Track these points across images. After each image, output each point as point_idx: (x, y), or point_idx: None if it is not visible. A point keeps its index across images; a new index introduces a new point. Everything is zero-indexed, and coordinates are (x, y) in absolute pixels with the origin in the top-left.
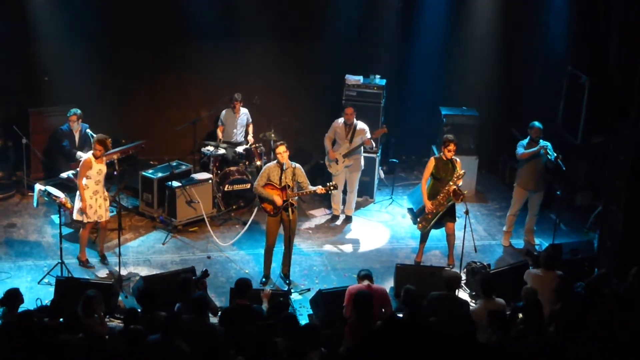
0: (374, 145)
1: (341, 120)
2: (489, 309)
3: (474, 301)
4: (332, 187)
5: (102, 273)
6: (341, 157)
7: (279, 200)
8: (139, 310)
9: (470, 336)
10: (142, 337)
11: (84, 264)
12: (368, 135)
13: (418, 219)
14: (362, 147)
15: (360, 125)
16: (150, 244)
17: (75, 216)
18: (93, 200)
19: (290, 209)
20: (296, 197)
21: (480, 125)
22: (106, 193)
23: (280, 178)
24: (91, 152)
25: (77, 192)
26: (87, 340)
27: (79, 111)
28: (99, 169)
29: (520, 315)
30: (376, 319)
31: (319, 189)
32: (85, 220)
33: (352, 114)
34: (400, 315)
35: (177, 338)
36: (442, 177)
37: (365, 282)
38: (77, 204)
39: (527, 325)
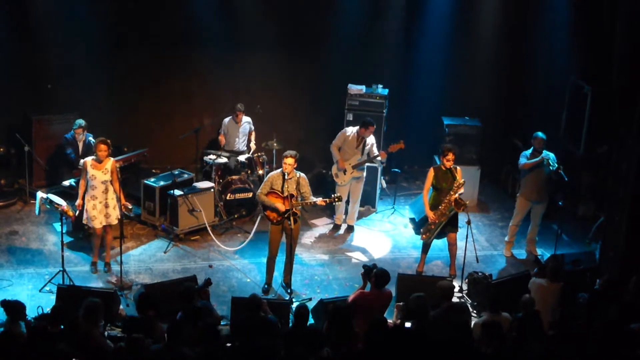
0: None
1: (350, 129)
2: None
3: (475, 311)
4: (336, 199)
5: (104, 281)
6: (350, 168)
7: (281, 207)
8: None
9: (467, 343)
10: (143, 345)
11: (91, 265)
12: (375, 149)
13: (421, 230)
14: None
15: (370, 139)
16: (152, 252)
17: (84, 220)
18: (90, 205)
19: (292, 219)
20: (299, 207)
21: (483, 135)
22: (111, 201)
23: (282, 187)
24: (93, 157)
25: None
26: (86, 351)
27: (83, 122)
28: (92, 174)
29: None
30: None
31: (321, 200)
32: (84, 224)
33: (372, 132)
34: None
35: (181, 346)
36: (442, 187)
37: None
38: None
39: (524, 333)
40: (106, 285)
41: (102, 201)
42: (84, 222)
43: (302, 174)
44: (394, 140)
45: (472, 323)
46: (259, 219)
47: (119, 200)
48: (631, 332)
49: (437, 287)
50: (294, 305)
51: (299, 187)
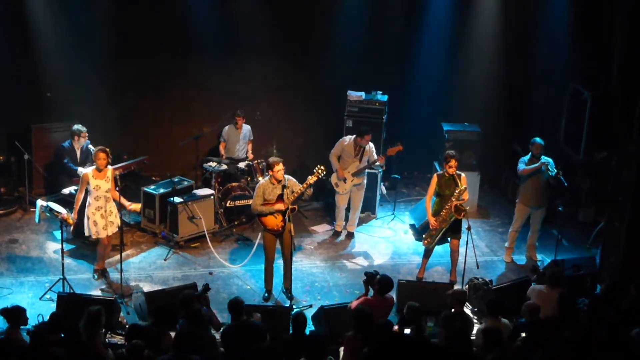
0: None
1: (348, 138)
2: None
3: (476, 317)
4: (321, 172)
5: (104, 289)
6: (350, 176)
7: (282, 207)
8: (144, 324)
9: (466, 351)
10: (142, 351)
11: (97, 272)
12: (374, 154)
13: (423, 236)
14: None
15: (369, 145)
16: (152, 259)
17: (86, 232)
18: (97, 216)
19: (290, 217)
20: (294, 201)
21: (482, 141)
22: (111, 210)
23: (283, 194)
24: (92, 167)
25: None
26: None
27: (84, 129)
28: (97, 184)
29: (523, 334)
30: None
31: (309, 179)
32: (93, 237)
33: (369, 141)
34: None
35: (190, 355)
36: (445, 193)
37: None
38: (85, 221)
39: (528, 342)
40: (106, 292)
41: (105, 211)
42: (93, 234)
43: (288, 176)
44: (393, 145)
45: (475, 330)
46: (259, 235)
47: (120, 208)
48: (631, 337)
49: (451, 292)
50: (294, 312)
51: (292, 188)
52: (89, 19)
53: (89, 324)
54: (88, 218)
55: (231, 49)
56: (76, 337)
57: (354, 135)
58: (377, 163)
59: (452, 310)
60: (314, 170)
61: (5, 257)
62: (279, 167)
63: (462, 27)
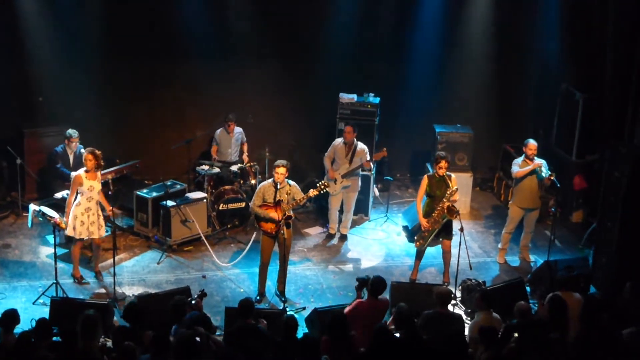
0: (372, 167)
1: (340, 139)
2: (484, 324)
3: (469, 318)
4: (323, 187)
5: (97, 293)
6: (340, 177)
7: (276, 216)
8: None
9: (462, 354)
10: (134, 353)
11: (78, 280)
12: (368, 156)
13: (415, 237)
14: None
15: (361, 146)
16: (145, 263)
17: (68, 231)
18: (85, 217)
19: (286, 223)
20: (292, 209)
21: (475, 143)
22: (99, 213)
23: (275, 197)
24: (83, 168)
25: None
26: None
27: (75, 133)
28: (90, 185)
29: (516, 334)
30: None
31: (311, 191)
32: (76, 237)
33: (351, 133)
34: (397, 334)
35: (168, 356)
36: (436, 194)
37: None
38: (70, 221)
39: (522, 343)
40: (99, 297)
41: (95, 212)
42: (79, 236)
43: (292, 182)
44: (378, 151)
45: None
46: (255, 234)
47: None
48: (623, 338)
49: (435, 291)
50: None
51: (293, 195)
52: (80, 23)
53: (85, 328)
54: (75, 217)
55: (224, 52)
56: (71, 341)
57: None
58: (365, 167)
59: (434, 310)
60: (317, 185)
61: None
62: (277, 171)
63: (455, 29)
